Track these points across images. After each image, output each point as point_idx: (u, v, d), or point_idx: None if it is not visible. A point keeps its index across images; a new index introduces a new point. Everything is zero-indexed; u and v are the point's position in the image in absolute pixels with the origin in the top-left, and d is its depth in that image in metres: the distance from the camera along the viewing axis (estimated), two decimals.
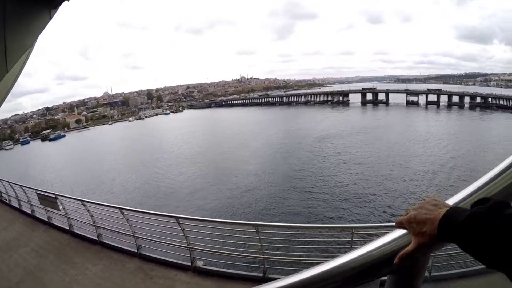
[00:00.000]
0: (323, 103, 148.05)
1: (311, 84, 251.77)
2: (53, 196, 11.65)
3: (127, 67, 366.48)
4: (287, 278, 1.21)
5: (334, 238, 7.48)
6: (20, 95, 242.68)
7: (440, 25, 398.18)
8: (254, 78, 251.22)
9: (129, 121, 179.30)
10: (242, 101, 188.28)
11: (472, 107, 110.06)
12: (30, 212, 14.10)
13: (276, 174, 41.86)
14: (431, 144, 53.81)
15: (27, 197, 14.05)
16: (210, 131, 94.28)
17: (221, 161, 53.18)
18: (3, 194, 17.77)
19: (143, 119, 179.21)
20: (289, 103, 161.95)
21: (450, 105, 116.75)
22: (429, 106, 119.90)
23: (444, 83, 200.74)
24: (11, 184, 15.76)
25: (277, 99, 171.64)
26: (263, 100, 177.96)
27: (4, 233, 12.74)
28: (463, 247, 0.97)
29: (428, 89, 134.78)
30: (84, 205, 10.25)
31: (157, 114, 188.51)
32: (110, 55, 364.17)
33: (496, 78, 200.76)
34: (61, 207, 11.45)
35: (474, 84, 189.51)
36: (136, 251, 9.05)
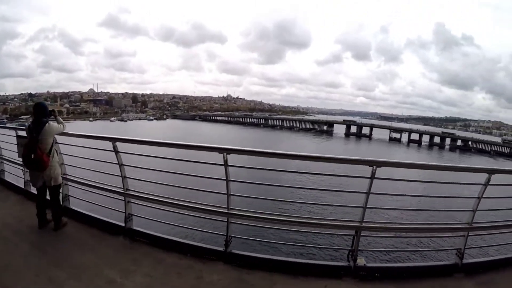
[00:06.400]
0: (307, 130, 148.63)
1: (296, 111, 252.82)
2: None
3: (114, 67, 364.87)
4: None
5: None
6: (3, 76, 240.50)
7: (424, 68, 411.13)
8: (240, 98, 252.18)
9: (111, 121, 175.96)
10: (226, 118, 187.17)
11: (452, 148, 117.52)
12: None
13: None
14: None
15: None
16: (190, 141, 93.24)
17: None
18: None
19: (125, 121, 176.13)
20: (273, 126, 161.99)
21: (431, 145, 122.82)
22: (411, 144, 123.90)
23: (425, 124, 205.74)
24: None
25: (262, 121, 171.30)
26: (247, 120, 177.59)
27: None
28: None
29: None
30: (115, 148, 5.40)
31: (140, 119, 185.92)
32: (98, 53, 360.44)
33: (475, 124, 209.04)
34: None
35: (454, 128, 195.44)
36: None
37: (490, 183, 4.59)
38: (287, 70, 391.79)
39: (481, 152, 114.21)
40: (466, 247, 4.81)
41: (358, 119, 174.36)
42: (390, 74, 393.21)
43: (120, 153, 5.38)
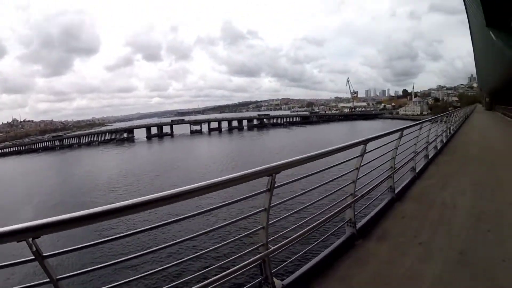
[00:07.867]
0: (107, 141, 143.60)
1: (91, 124, 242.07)
2: None
3: None
4: None
5: None
6: None
7: (214, 62, 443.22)
8: (28, 121, 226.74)
9: None
10: (15, 149, 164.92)
11: (250, 128, 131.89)
12: None
13: None
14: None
15: None
16: None
17: None
18: None
19: None
20: (70, 146, 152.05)
21: (230, 129, 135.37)
22: (212, 132, 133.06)
23: (221, 112, 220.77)
24: None
25: (57, 143, 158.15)
26: (40, 145, 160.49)
27: None
28: None
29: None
30: None
31: None
32: None
33: (266, 104, 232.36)
34: None
35: (247, 111, 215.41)
36: None
37: (365, 152, 5.30)
38: (76, 81, 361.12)
39: (275, 125, 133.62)
40: (355, 214, 5.41)
41: (156, 120, 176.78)
42: (182, 71, 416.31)
43: None
